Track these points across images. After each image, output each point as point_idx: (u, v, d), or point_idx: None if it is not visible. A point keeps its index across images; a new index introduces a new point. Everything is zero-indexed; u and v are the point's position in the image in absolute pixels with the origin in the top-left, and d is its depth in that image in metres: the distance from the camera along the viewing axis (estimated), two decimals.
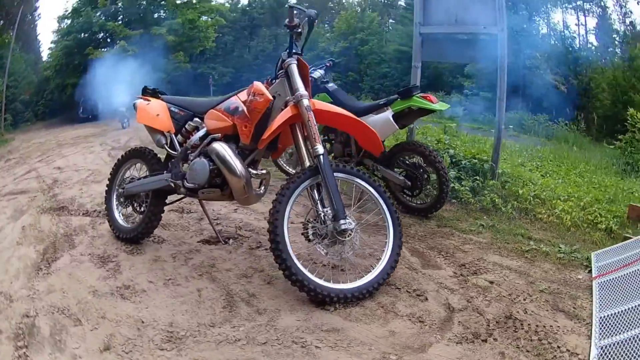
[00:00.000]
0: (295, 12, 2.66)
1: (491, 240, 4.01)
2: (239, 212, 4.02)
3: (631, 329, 2.19)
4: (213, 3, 20.01)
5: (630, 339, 2.11)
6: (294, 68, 2.64)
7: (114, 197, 3.31)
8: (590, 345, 2.29)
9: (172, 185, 2.83)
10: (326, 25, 27.27)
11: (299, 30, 2.68)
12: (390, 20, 27.79)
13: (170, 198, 3.21)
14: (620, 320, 2.34)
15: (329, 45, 23.79)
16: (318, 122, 2.61)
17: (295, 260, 2.42)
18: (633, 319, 2.26)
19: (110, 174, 3.41)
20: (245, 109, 2.62)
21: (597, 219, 4.50)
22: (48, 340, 2.10)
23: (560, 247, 3.85)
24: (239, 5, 28.21)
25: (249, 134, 2.62)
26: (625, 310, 2.39)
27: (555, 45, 18.06)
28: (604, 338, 2.28)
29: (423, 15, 5.33)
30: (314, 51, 21.74)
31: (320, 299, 2.39)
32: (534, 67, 14.90)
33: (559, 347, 2.32)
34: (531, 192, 5.28)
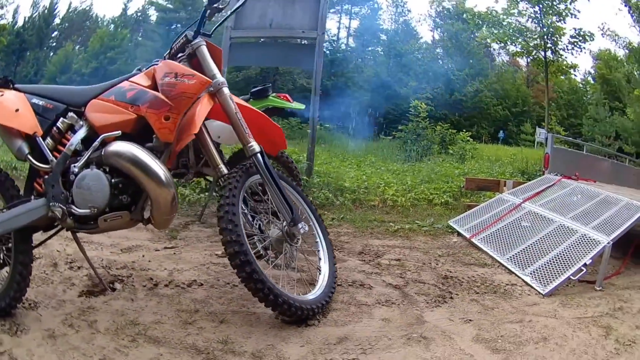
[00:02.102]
0: None
1: (356, 229, 4.67)
2: (90, 249, 3.45)
3: (542, 257, 3.32)
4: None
5: (546, 263, 3.23)
6: (205, 50, 2.52)
7: None
8: (519, 277, 3.23)
9: (58, 214, 2.29)
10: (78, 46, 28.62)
11: (220, 7, 2.57)
12: (139, 38, 29.35)
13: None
14: (525, 257, 3.43)
15: (81, 67, 25.01)
16: (212, 116, 2.62)
17: (272, 280, 2.33)
18: (533, 253, 3.42)
19: None
20: (161, 95, 2.33)
21: (429, 197, 5.84)
22: None
23: (418, 223, 4.88)
24: (15, 27, 27.09)
25: (174, 128, 2.31)
26: (521, 250, 3.55)
27: None
28: (525, 268, 3.29)
29: (235, 19, 5.85)
30: (66, 74, 23.44)
31: (306, 316, 2.40)
32: (286, 72, 17.28)
33: (499, 284, 3.14)
34: (354, 184, 6.29)
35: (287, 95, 4.41)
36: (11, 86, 2.54)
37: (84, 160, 2.32)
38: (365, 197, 6.01)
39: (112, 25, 29.76)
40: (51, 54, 27.81)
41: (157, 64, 2.59)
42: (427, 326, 2.43)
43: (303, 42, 6.09)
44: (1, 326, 2.36)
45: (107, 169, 2.32)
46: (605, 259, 3.14)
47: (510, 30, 10.74)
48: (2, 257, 2.48)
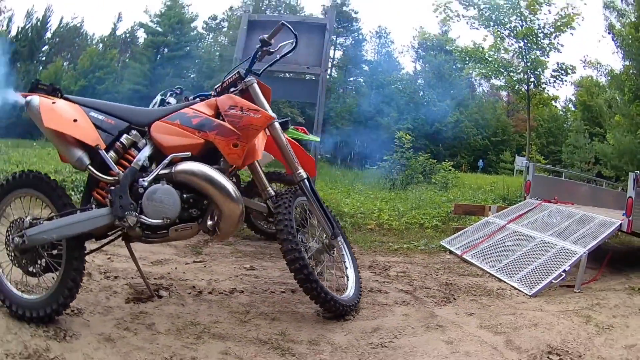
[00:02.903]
0: (281, 32, 2.93)
1: (360, 248, 5.31)
2: (118, 261, 3.77)
3: (527, 267, 4.05)
4: None
5: (531, 271, 3.95)
6: (257, 88, 2.90)
7: None
8: (507, 283, 3.93)
9: (131, 223, 2.53)
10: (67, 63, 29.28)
11: (271, 50, 3.01)
12: (127, 59, 30.34)
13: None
14: (511, 267, 4.17)
15: (70, 84, 25.50)
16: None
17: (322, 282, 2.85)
18: (519, 264, 4.16)
19: None
20: (228, 124, 2.64)
21: (420, 221, 6.58)
22: None
23: (414, 244, 5.58)
24: (8, 37, 26.91)
25: (242, 154, 2.64)
26: (507, 263, 4.29)
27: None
28: (512, 276, 4.00)
29: (243, 52, 6.40)
30: None
31: (345, 312, 2.96)
32: (272, 101, 18.11)
33: (492, 290, 3.84)
34: (352, 209, 6.99)
35: (304, 129, 5.00)
36: (59, 95, 2.68)
37: (153, 175, 2.57)
38: (363, 221, 6.69)
39: (101, 45, 30.33)
40: (40, 68, 27.97)
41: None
42: (440, 318, 3.08)
43: (306, 77, 6.66)
44: (44, 332, 2.43)
45: (174, 185, 2.58)
46: (582, 266, 3.89)
47: (496, 66, 11.27)
48: (45, 262, 2.56)
